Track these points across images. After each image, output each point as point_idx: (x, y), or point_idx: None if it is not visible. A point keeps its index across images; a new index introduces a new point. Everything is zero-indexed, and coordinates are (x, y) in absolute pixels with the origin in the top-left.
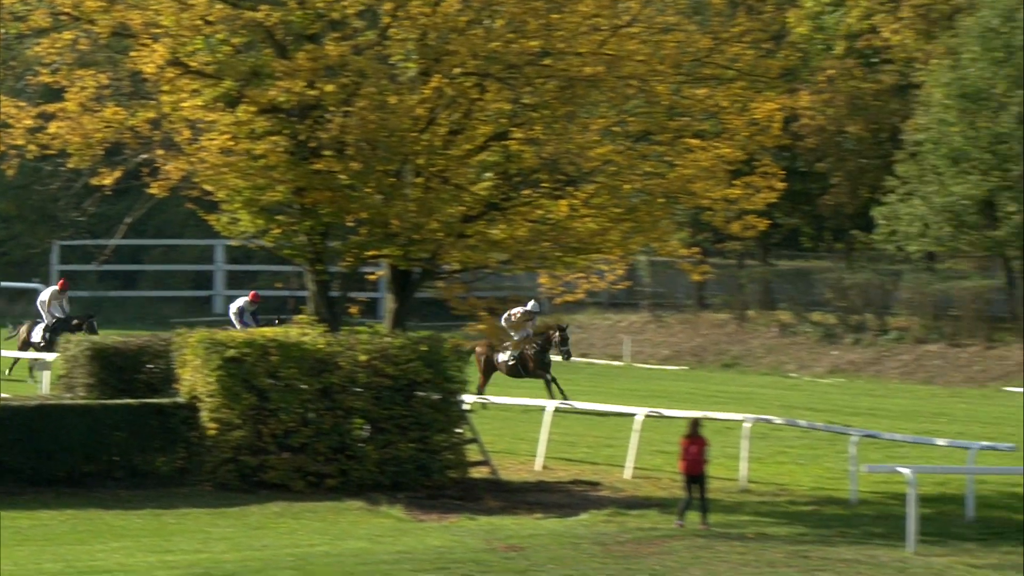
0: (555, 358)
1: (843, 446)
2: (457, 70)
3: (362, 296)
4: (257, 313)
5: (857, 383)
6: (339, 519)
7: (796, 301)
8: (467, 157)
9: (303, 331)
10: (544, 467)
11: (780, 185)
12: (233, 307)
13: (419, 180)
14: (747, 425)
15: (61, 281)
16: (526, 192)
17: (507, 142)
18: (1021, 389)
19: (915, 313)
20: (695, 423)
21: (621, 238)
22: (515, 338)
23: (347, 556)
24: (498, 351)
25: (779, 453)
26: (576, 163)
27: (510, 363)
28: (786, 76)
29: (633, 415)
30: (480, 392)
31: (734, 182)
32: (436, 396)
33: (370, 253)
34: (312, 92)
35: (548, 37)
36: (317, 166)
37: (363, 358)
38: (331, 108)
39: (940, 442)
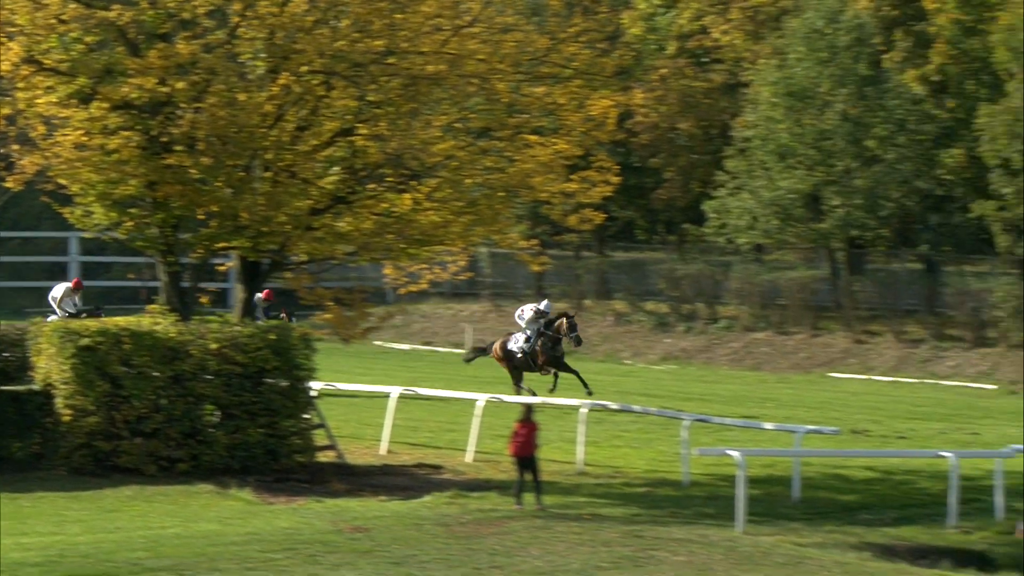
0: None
1: (675, 430)
2: (304, 68)
3: (212, 286)
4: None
5: (689, 369)
6: (190, 502)
7: (631, 291)
8: (314, 152)
9: (155, 320)
10: (389, 451)
11: (615, 180)
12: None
13: (268, 174)
14: (584, 410)
15: (75, 280)
16: (371, 186)
17: (353, 138)
18: (845, 375)
19: (744, 302)
20: (528, 408)
21: (463, 230)
22: (525, 328)
23: (198, 537)
24: (508, 342)
25: (614, 437)
26: (419, 158)
27: (520, 356)
28: (621, 75)
29: (475, 401)
30: (518, 386)
31: (571, 177)
32: (284, 383)
33: (220, 245)
34: (164, 89)
35: (392, 37)
36: (169, 161)
37: (214, 346)
38: (182, 105)
39: (768, 426)
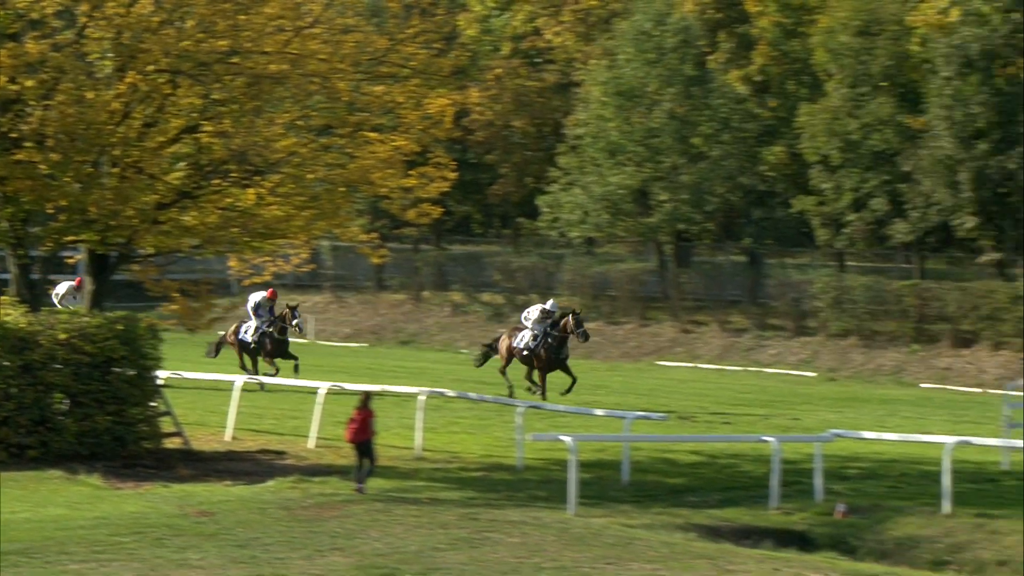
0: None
1: (510, 416)
2: (151, 67)
3: (62, 279)
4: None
5: None
6: (40, 488)
7: (467, 283)
8: (161, 149)
9: (6, 311)
10: (233, 438)
11: (452, 175)
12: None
13: (115, 170)
14: (422, 398)
15: (78, 279)
16: (216, 181)
17: (198, 135)
18: (673, 363)
19: (576, 293)
20: (366, 396)
21: (305, 224)
22: (532, 330)
23: (47, 522)
24: (514, 337)
25: (451, 424)
26: (263, 155)
27: (524, 352)
28: (457, 74)
29: (316, 389)
30: (504, 374)
31: (410, 172)
32: (132, 372)
33: (69, 238)
34: (13, 87)
35: (236, 37)
36: (18, 156)
37: (63, 336)
38: (32, 102)
39: (599, 412)
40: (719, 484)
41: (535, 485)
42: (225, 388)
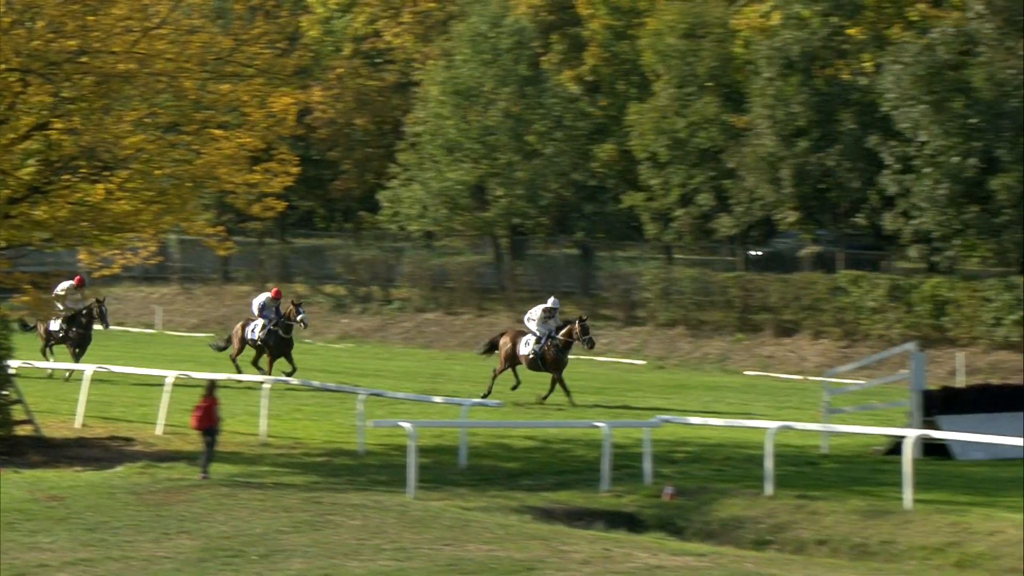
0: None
1: (352, 404)
2: (1, 66)
3: None
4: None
5: (365, 348)
6: None
7: (311, 275)
8: (12, 145)
9: None
10: (83, 425)
11: (295, 171)
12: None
13: None
14: (266, 386)
15: (78, 277)
16: (66, 177)
17: (49, 132)
18: None
19: (415, 285)
20: (211, 384)
21: (153, 218)
22: (536, 331)
23: None
24: (519, 343)
25: (295, 411)
26: (112, 151)
27: (531, 356)
28: (300, 74)
29: (164, 377)
30: (494, 377)
31: (254, 168)
32: None
33: None
34: None
35: (85, 37)
36: None
37: None
38: None
39: (437, 399)
40: (553, 468)
41: (376, 470)
42: (76, 378)
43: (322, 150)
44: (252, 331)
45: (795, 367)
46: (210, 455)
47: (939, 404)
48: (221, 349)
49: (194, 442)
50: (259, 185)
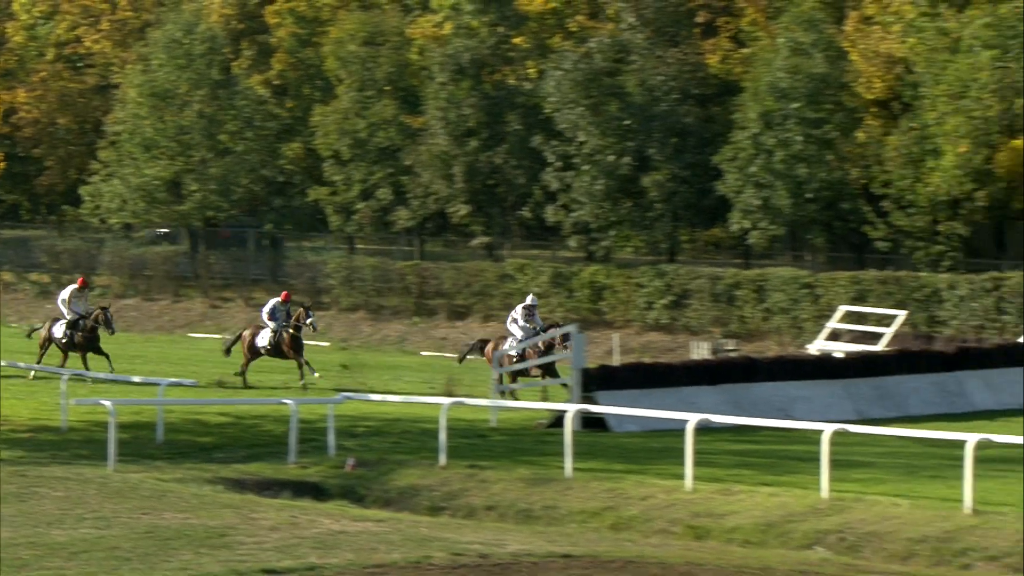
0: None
1: (56, 384)
2: None
3: None
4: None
5: None
6: None
7: (16, 264)
8: None
9: None
10: None
11: (1, 166)
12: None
13: None
14: None
15: (80, 279)
16: None
17: None
18: (203, 335)
19: (116, 273)
20: None
21: None
22: (521, 337)
23: None
24: (504, 347)
25: (3, 390)
26: None
27: (516, 359)
28: (5, 76)
29: None
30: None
31: None
32: None
33: None
34: None
35: None
36: None
37: None
38: None
39: (136, 379)
40: (244, 442)
41: (78, 445)
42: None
43: (27, 147)
44: (262, 339)
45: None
46: None
47: (597, 381)
48: (228, 351)
49: None
50: None
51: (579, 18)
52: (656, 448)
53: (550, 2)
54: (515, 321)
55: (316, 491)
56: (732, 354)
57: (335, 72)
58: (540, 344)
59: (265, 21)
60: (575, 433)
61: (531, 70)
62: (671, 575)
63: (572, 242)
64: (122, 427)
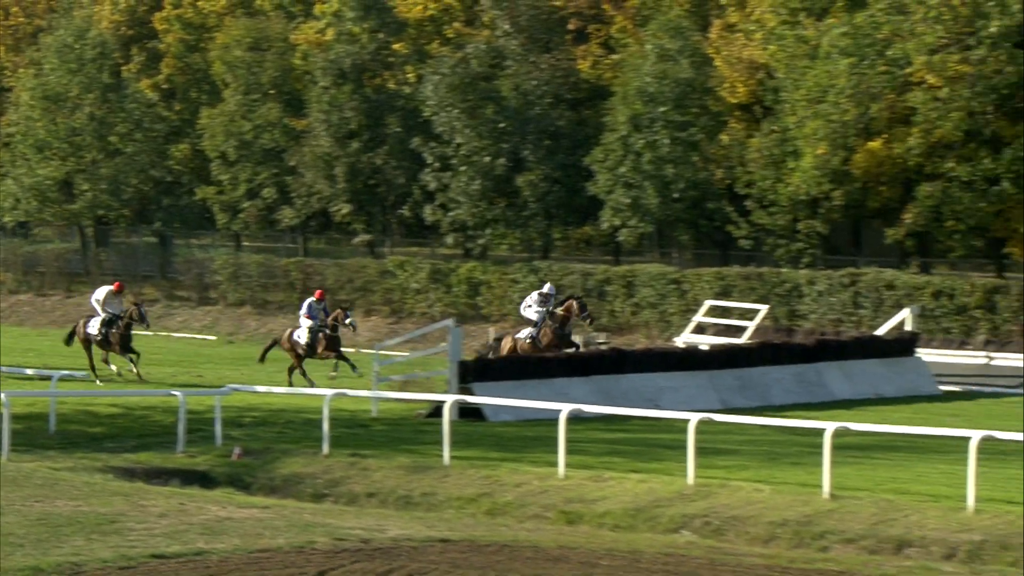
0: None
1: None
2: None
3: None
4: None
5: None
6: None
7: None
8: None
9: None
10: None
11: None
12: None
13: None
14: None
15: (116, 284)
16: None
17: None
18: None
19: (9, 270)
20: None
21: None
22: (536, 321)
23: None
24: (517, 332)
25: None
26: None
27: (527, 340)
28: None
29: None
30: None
31: None
32: None
33: None
34: None
35: None
36: None
37: None
38: None
39: (29, 371)
40: (134, 432)
41: None
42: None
43: None
44: (298, 337)
45: (349, 341)
46: None
47: (474, 373)
48: (267, 350)
49: None
50: None
51: (456, 25)
52: (530, 437)
53: (428, 9)
54: (529, 307)
55: (204, 479)
56: (603, 347)
57: (222, 76)
58: (557, 316)
59: (154, 27)
60: (453, 423)
61: (410, 75)
62: (544, 558)
63: (450, 240)
64: (16, 418)
